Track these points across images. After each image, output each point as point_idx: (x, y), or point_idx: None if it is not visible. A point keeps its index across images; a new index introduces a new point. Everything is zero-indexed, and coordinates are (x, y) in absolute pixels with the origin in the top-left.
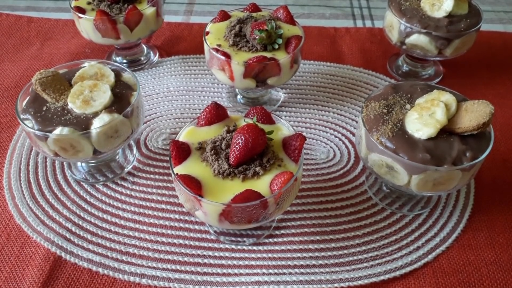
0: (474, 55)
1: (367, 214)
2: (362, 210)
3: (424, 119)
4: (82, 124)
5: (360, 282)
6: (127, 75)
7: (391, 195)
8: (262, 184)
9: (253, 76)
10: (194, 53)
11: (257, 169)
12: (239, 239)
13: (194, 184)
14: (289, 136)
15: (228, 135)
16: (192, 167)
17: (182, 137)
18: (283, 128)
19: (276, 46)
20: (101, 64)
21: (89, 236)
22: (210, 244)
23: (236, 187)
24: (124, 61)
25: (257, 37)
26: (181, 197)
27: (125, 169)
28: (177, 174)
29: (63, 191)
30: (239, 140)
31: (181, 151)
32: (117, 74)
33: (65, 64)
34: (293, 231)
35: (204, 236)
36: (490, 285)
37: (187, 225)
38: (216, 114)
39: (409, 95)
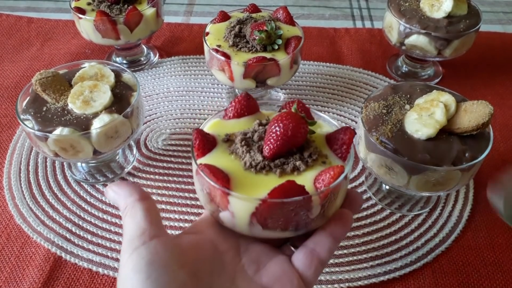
0: (473, 55)
1: (366, 214)
2: (361, 210)
3: (423, 119)
4: (82, 124)
5: (359, 283)
6: (127, 76)
7: (391, 195)
8: (304, 181)
9: (253, 76)
10: (194, 53)
11: (297, 163)
12: None
13: (221, 176)
14: (334, 131)
15: (260, 127)
16: (218, 159)
17: (205, 130)
18: (325, 125)
19: (276, 47)
20: (101, 65)
21: (89, 236)
22: None
23: (272, 182)
24: (124, 61)
25: (256, 37)
26: (201, 195)
27: (125, 170)
28: (200, 164)
29: (63, 191)
30: (276, 128)
31: (206, 141)
32: (117, 74)
33: (65, 65)
34: None
35: None
36: (490, 286)
37: (186, 225)
38: (247, 105)
39: (408, 96)
